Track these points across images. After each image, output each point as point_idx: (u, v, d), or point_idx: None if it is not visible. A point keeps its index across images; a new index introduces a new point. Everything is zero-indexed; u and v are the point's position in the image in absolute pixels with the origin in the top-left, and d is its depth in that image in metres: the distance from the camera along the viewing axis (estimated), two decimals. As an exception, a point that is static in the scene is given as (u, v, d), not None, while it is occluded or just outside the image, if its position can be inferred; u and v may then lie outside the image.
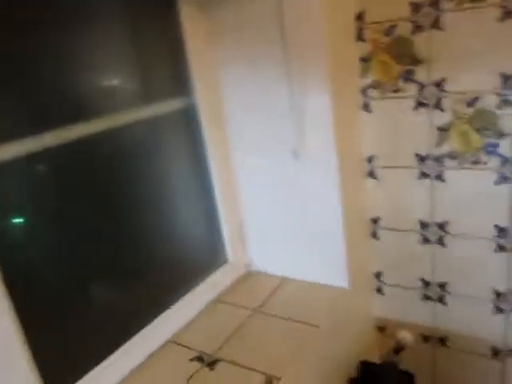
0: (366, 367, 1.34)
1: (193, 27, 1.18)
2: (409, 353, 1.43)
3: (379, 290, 1.48)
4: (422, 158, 1.25)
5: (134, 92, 1.13)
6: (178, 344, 1.14)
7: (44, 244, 0.94)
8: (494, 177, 1.17)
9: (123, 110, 1.08)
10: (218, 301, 1.30)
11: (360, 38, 1.22)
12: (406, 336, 1.46)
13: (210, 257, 1.36)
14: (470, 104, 1.14)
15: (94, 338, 1.03)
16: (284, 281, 1.36)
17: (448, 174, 1.23)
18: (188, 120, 1.24)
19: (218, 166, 1.30)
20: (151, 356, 1.09)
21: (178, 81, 1.21)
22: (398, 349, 1.44)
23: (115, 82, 1.08)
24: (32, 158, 0.87)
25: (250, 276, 1.42)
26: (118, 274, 1.11)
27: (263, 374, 0.99)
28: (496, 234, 1.22)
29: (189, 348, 1.12)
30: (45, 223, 0.94)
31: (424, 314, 1.43)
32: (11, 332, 0.81)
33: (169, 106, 1.18)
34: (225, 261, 1.38)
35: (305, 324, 1.15)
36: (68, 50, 0.95)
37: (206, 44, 1.22)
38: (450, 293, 1.36)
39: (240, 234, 1.40)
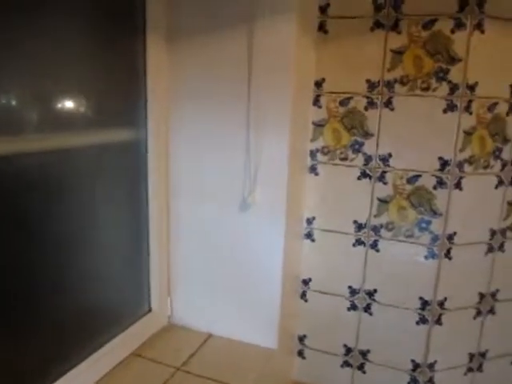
0: None
1: (156, 58, 1.13)
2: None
3: (300, 353, 1.46)
4: (359, 226, 1.30)
5: (84, 115, 1.03)
6: (89, 405, 0.99)
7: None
8: (424, 252, 1.25)
9: (65, 132, 0.97)
10: (138, 355, 1.18)
11: (316, 103, 1.27)
12: (321, 404, 1.43)
13: (134, 304, 1.23)
14: (411, 181, 1.22)
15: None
16: (209, 336, 1.28)
17: (382, 244, 1.28)
18: (134, 154, 1.15)
19: (156, 209, 1.22)
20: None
21: (132, 112, 1.13)
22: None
23: (65, 102, 0.98)
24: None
25: (172, 328, 1.31)
26: (20, 317, 0.93)
27: None
28: (419, 307, 1.28)
29: (101, 411, 0.97)
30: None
31: (342, 382, 1.42)
32: None
33: (117, 135, 1.10)
34: (148, 310, 1.26)
35: (233, 387, 1.07)
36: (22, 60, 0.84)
37: (166, 74, 1.18)
38: (370, 361, 1.37)
39: (167, 283, 1.30)
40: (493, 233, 1.29)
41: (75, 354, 1.03)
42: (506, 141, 1.23)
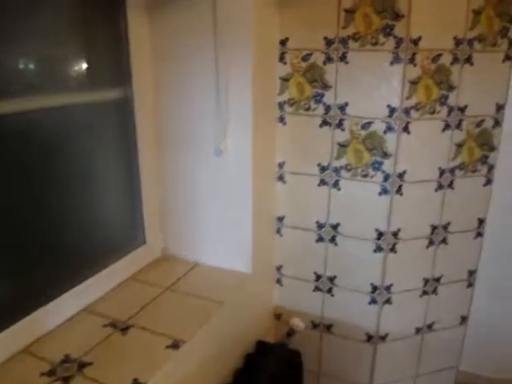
0: (261, 345, 1.52)
1: (137, 24, 1.31)
2: (300, 336, 1.64)
3: (279, 281, 1.69)
4: (323, 168, 1.48)
5: (73, 76, 1.22)
6: (93, 313, 1.24)
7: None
8: (378, 189, 1.43)
9: (60, 92, 1.17)
10: (133, 279, 1.42)
11: (282, 60, 1.43)
12: (298, 323, 1.67)
13: (130, 237, 1.47)
14: (364, 127, 1.39)
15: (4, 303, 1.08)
16: (195, 265, 1.51)
17: (343, 184, 1.47)
18: (123, 109, 1.35)
19: (146, 156, 1.43)
20: (66, 321, 1.18)
21: (118, 72, 1.32)
22: (291, 333, 1.65)
23: (56, 63, 1.17)
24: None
25: (164, 259, 1.55)
26: (37, 244, 1.17)
27: (170, 337, 1.13)
28: (376, 237, 1.48)
29: (103, 316, 1.22)
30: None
31: (315, 304, 1.65)
32: None
33: (106, 94, 1.29)
34: (143, 242, 1.50)
35: (211, 301, 1.31)
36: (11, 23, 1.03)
37: (147, 42, 1.36)
38: (337, 285, 1.59)
39: (159, 219, 1.53)
40: (442, 171, 1.46)
41: (83, 272, 1.27)
42: (451, 88, 1.38)
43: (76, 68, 1.23)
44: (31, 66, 1.12)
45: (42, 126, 1.13)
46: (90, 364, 1.04)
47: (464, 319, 1.71)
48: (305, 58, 1.40)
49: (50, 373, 1.02)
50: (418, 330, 1.64)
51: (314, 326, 1.68)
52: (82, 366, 1.04)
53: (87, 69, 1.24)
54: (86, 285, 1.28)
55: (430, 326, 1.66)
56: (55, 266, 1.21)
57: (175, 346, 1.11)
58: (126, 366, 1.04)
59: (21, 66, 1.09)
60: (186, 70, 1.35)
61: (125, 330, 1.17)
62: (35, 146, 1.11)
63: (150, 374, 1.01)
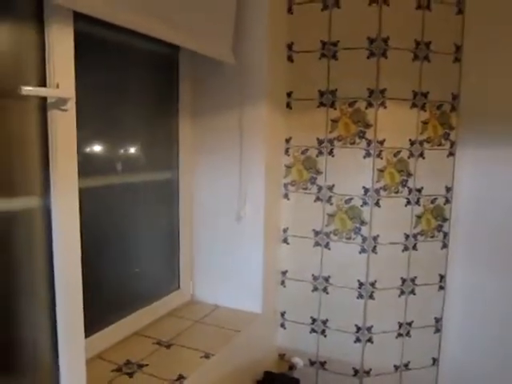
0: (268, 374, 1.89)
1: (184, 125, 1.87)
2: (299, 372, 2.01)
3: (282, 325, 2.09)
4: (316, 233, 1.96)
5: (141, 162, 1.75)
6: (143, 335, 1.65)
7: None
8: (358, 248, 1.89)
9: (131, 172, 1.69)
10: (170, 315, 1.84)
11: (286, 153, 1.97)
12: (297, 361, 2.05)
13: (169, 283, 1.91)
14: (347, 202, 1.88)
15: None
16: (217, 307, 1.94)
17: (332, 245, 1.94)
18: (172, 187, 1.87)
19: (183, 220, 1.92)
20: (124, 340, 1.60)
21: (170, 159, 1.86)
22: (292, 368, 2.02)
23: (129, 154, 1.70)
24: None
25: (192, 302, 1.98)
26: (105, 286, 1.61)
27: (202, 351, 1.54)
28: (358, 286, 1.91)
29: (150, 337, 1.64)
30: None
31: (311, 344, 2.04)
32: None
33: (162, 175, 1.82)
34: (177, 288, 1.94)
35: (231, 330, 1.72)
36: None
37: (190, 138, 1.90)
38: (329, 327, 1.99)
39: (190, 270, 1.98)
40: (407, 236, 1.92)
41: (136, 306, 1.70)
42: (409, 175, 1.89)
43: (143, 156, 1.76)
44: (112, 155, 1.65)
45: (117, 196, 1.63)
46: (147, 365, 1.45)
47: (435, 360, 2.08)
48: (303, 152, 1.94)
49: (118, 369, 1.42)
50: (396, 368, 2.01)
51: (311, 363, 2.05)
52: (140, 366, 1.44)
53: (151, 157, 1.78)
54: (136, 315, 1.71)
55: (406, 365, 2.03)
56: (116, 300, 1.65)
57: (207, 356, 1.52)
58: (173, 367, 1.44)
59: (107, 154, 1.62)
60: (217, 158, 1.88)
61: (168, 346, 1.58)
62: (109, 210, 1.61)
63: (190, 372, 1.41)
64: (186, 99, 1.87)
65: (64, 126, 1.10)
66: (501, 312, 2.07)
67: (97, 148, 1.55)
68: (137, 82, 1.68)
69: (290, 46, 1.91)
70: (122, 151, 1.66)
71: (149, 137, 1.77)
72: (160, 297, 1.84)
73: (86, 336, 1.38)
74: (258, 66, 1.77)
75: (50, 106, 1.07)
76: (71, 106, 1.11)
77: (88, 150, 1.49)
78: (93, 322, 1.51)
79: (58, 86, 1.07)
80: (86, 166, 1.38)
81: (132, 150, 1.71)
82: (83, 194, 1.18)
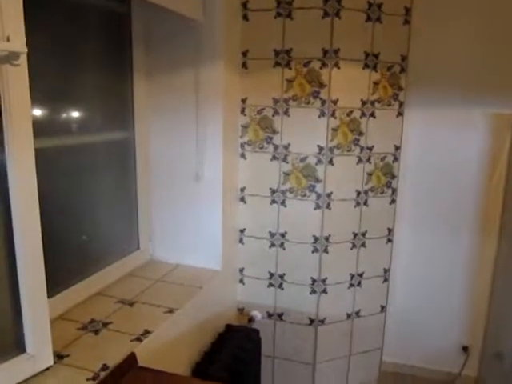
0: (229, 327, 1.97)
1: (139, 84, 1.83)
2: (258, 324, 2.11)
3: (241, 281, 2.16)
4: (273, 191, 2.01)
5: (94, 122, 1.71)
6: (105, 295, 1.67)
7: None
8: (313, 205, 1.97)
9: (85, 133, 1.66)
10: (130, 275, 1.86)
11: (242, 112, 1.98)
12: (256, 314, 2.14)
13: (128, 243, 1.92)
14: (302, 160, 1.94)
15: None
16: (178, 265, 1.97)
17: (288, 202, 2.00)
18: (128, 146, 1.85)
19: (141, 181, 1.91)
20: (86, 300, 1.61)
21: (125, 119, 1.82)
22: (251, 321, 2.11)
23: (81, 113, 1.66)
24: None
25: (153, 261, 2.00)
26: (64, 248, 1.60)
27: (166, 307, 1.58)
28: (313, 241, 2.00)
29: (112, 297, 1.65)
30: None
31: (269, 298, 2.13)
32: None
33: (117, 135, 1.79)
34: (137, 248, 1.95)
35: (193, 286, 1.77)
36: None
37: (146, 97, 1.87)
38: (286, 281, 2.09)
39: (149, 230, 1.99)
40: (358, 193, 2.02)
41: (96, 267, 1.70)
42: (361, 134, 1.97)
43: (98, 116, 1.72)
44: (65, 115, 1.60)
45: (72, 157, 1.60)
46: (111, 323, 1.48)
47: (383, 308, 2.24)
48: (259, 112, 1.96)
49: (83, 328, 1.44)
50: (348, 316, 2.15)
51: (269, 315, 2.15)
52: (105, 324, 1.47)
53: (106, 116, 1.74)
54: (98, 275, 1.71)
55: (357, 313, 2.17)
56: (76, 261, 1.65)
57: (171, 311, 1.56)
58: (138, 323, 1.48)
59: (59, 114, 1.57)
60: (173, 118, 1.87)
61: (131, 304, 1.61)
62: (65, 171, 1.58)
63: (155, 326, 1.45)
64: (140, 58, 1.83)
65: (17, 81, 1.06)
66: (437, 265, 2.26)
67: (49, 108, 1.50)
68: (88, 39, 1.62)
69: (244, 5, 1.90)
70: (75, 111, 1.62)
71: (103, 96, 1.73)
72: (120, 257, 1.85)
73: (49, 297, 1.39)
74: (214, 25, 1.75)
75: (1, 60, 1.03)
76: (23, 60, 1.07)
77: (41, 110, 1.44)
78: (54, 284, 1.50)
79: (8, 39, 1.02)
80: (40, 126, 1.34)
81: (86, 110, 1.66)
82: (38, 155, 1.15)
